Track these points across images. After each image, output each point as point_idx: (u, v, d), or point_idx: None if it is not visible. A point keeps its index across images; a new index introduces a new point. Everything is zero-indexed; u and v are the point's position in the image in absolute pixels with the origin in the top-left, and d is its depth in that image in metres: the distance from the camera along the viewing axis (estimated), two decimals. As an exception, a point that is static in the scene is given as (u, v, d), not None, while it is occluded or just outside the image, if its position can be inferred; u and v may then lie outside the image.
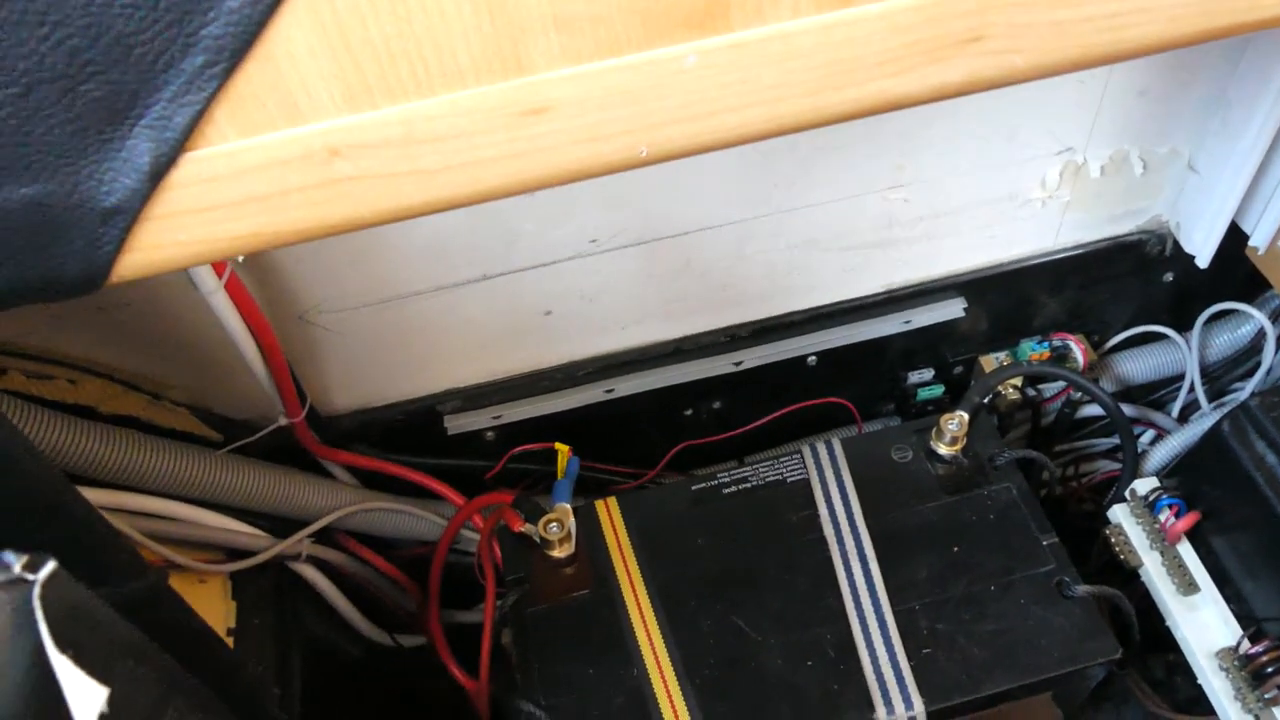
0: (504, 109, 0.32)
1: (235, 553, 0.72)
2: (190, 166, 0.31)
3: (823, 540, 0.74)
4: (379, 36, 0.30)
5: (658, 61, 0.32)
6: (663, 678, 0.68)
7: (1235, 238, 0.81)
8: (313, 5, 0.29)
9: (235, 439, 0.74)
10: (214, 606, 0.67)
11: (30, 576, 0.27)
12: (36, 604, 0.27)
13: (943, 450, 0.77)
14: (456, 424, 0.82)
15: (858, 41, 0.33)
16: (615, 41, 0.32)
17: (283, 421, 0.72)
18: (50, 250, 0.32)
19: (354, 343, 0.75)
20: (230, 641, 0.67)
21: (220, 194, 0.32)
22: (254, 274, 0.66)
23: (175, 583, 0.66)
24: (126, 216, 0.32)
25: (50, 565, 0.28)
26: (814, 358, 0.86)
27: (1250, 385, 0.88)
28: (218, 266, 0.58)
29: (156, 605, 0.47)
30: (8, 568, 0.27)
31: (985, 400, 0.82)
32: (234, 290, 0.60)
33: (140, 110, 0.30)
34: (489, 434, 0.84)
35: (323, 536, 0.79)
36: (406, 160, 0.33)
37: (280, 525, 0.75)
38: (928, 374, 0.92)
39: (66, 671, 0.28)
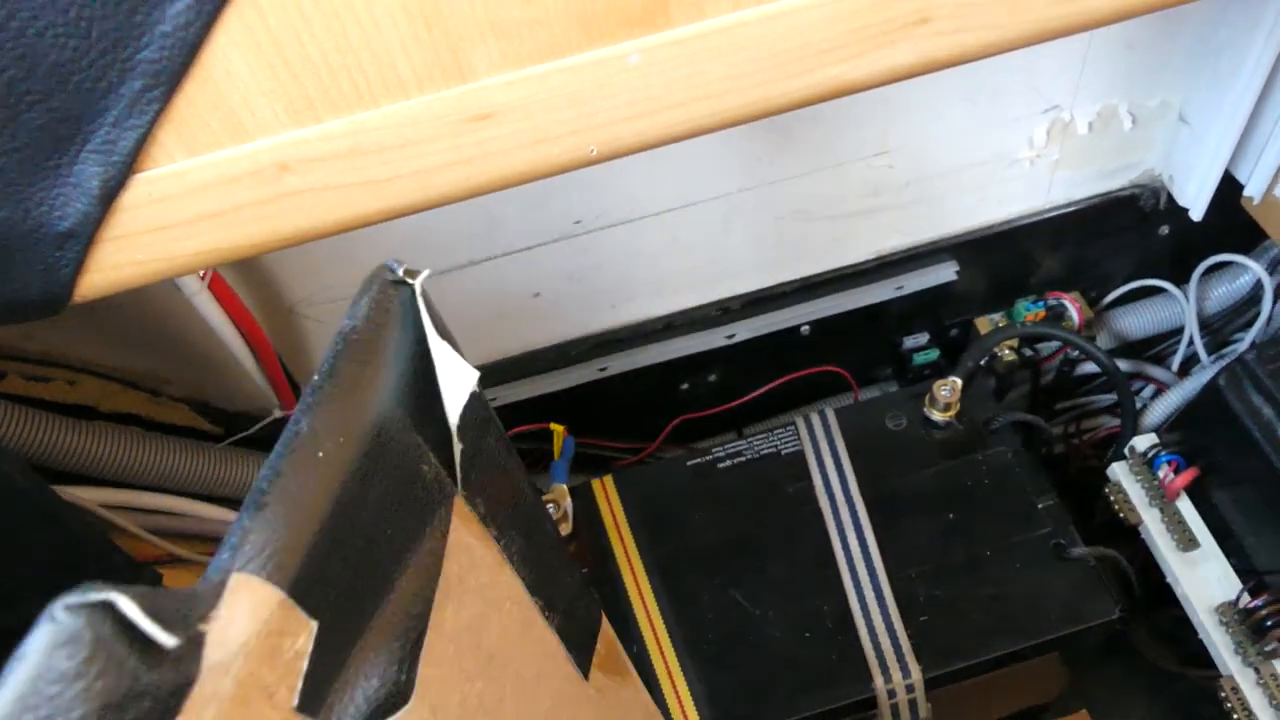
0: (449, 117, 0.32)
1: (240, 545, 0.73)
2: (140, 188, 0.31)
3: (819, 511, 0.75)
4: (316, 52, 0.30)
5: (600, 62, 0.32)
6: (662, 653, 0.69)
7: (1230, 188, 0.80)
8: (247, 25, 0.29)
9: (236, 432, 0.75)
10: (219, 599, 0.69)
11: (411, 281, 0.32)
12: (420, 299, 0.32)
13: (937, 416, 0.77)
14: (453, 408, 0.83)
15: (802, 30, 0.33)
16: (555, 44, 0.31)
17: (279, 414, 0.73)
18: (10, 275, 0.33)
19: (346, 333, 0.76)
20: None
21: (173, 213, 0.32)
22: (240, 272, 0.67)
23: (180, 577, 0.68)
24: (81, 239, 0.32)
25: (425, 272, 0.33)
26: (807, 327, 0.86)
27: (1250, 336, 0.87)
28: (199, 269, 0.59)
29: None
30: (393, 271, 0.32)
31: (980, 364, 0.81)
32: (218, 290, 0.61)
33: (85, 136, 0.30)
34: (486, 416, 0.84)
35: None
36: (355, 171, 0.33)
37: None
38: (923, 339, 0.92)
39: (444, 354, 0.33)
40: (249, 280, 0.68)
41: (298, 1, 0.29)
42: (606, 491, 0.78)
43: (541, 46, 0.31)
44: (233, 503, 0.72)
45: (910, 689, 0.67)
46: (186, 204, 0.32)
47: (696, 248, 0.78)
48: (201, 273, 0.59)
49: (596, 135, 0.34)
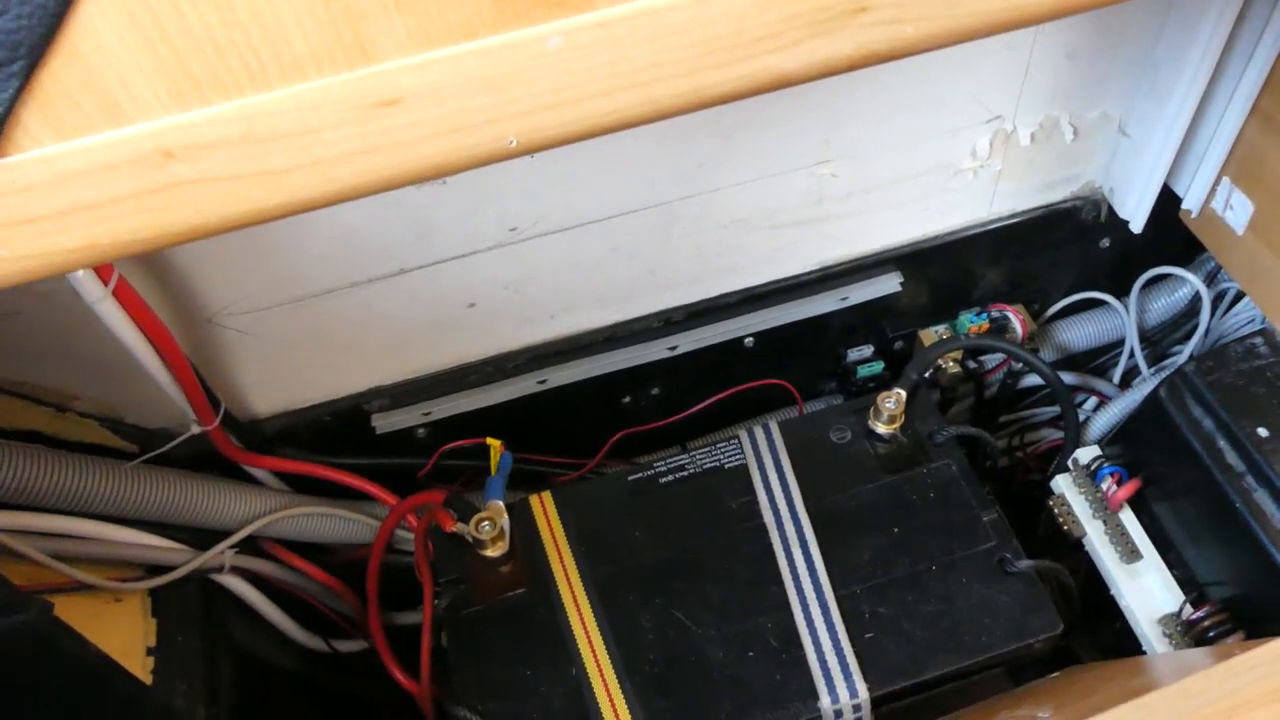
0: (352, 101, 0.30)
1: (155, 568, 0.69)
2: (1, 174, 0.28)
3: (763, 527, 0.73)
4: (199, 26, 0.27)
5: (518, 44, 0.30)
6: (602, 677, 0.67)
7: (1169, 201, 0.81)
8: (120, -7, 0.26)
9: (152, 449, 0.71)
10: (131, 626, 0.65)
11: None
12: None
13: (881, 429, 0.76)
14: (385, 422, 0.80)
15: (734, 16, 0.31)
16: (467, 24, 0.29)
17: (196, 430, 0.69)
18: None
19: (270, 344, 0.72)
20: (151, 661, 0.64)
21: (40, 204, 0.29)
22: (151, 278, 0.63)
23: (86, 604, 0.64)
24: (-63, 233, 0.29)
25: None
26: (751, 339, 0.84)
27: (1189, 348, 0.88)
28: (102, 273, 0.55)
29: (43, 638, 0.44)
30: None
31: (923, 377, 0.80)
32: (125, 297, 0.57)
33: (-62, 116, 0.27)
34: (420, 431, 0.81)
35: (250, 546, 0.76)
36: (250, 160, 0.30)
37: (205, 537, 0.72)
38: (867, 351, 0.91)
39: None
40: (163, 287, 0.64)
41: (176, -31, 0.26)
42: (545, 508, 0.75)
43: (452, 26, 0.29)
44: (146, 524, 0.68)
45: (857, 708, 0.65)
46: (56, 194, 0.29)
47: (637, 257, 0.76)
48: (102, 276, 0.56)
49: (516, 125, 0.31)
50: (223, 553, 0.71)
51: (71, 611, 0.52)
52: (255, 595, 0.76)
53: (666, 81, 0.32)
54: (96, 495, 0.64)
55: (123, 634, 0.65)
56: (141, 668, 0.65)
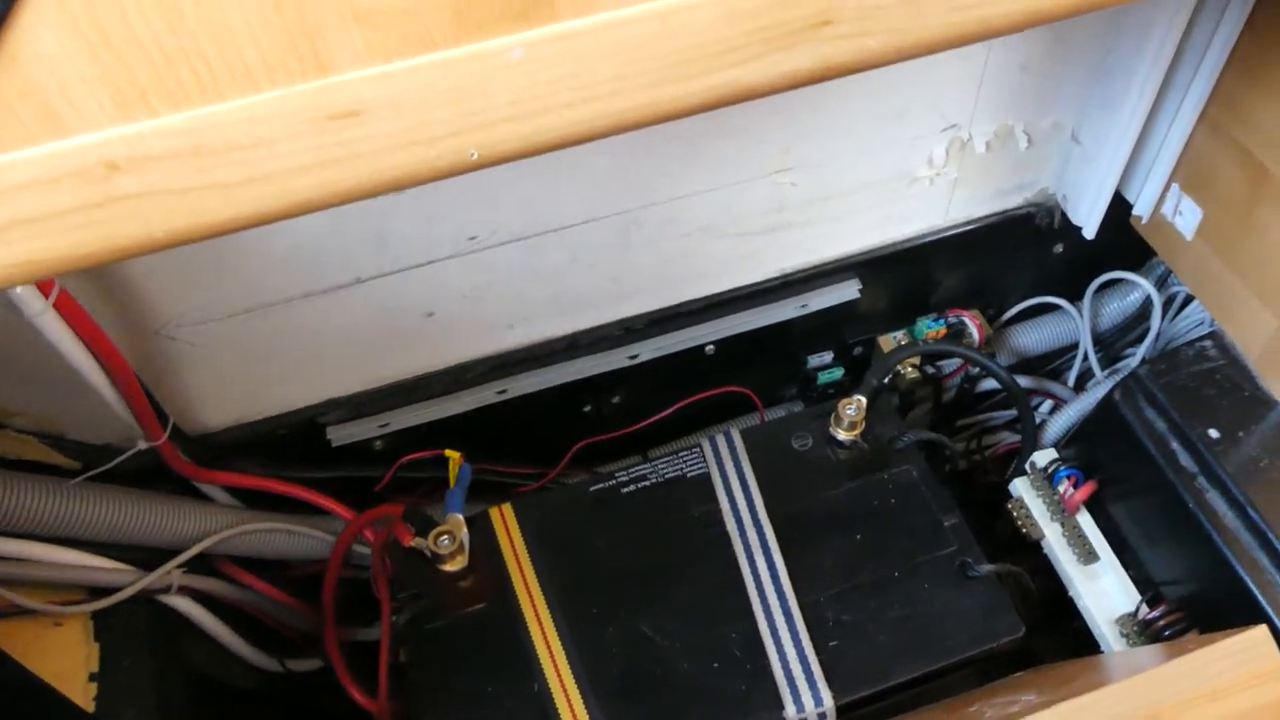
0: (308, 113, 0.29)
1: (99, 591, 0.67)
2: (-65, 190, 0.27)
3: (725, 535, 0.72)
4: (145, 33, 0.26)
5: (479, 56, 0.29)
6: (565, 690, 0.66)
7: (1120, 207, 0.82)
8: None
9: (95, 465, 0.69)
10: (73, 651, 0.62)
11: None
12: None
13: (842, 435, 0.76)
14: (341, 434, 0.78)
15: (697, 29, 0.30)
16: (426, 36, 0.28)
17: (143, 445, 0.67)
18: None
19: (222, 356, 0.70)
20: (94, 687, 0.62)
21: (-24, 219, 0.28)
22: (96, 289, 0.61)
23: (25, 630, 0.61)
24: None
25: None
26: (712, 346, 0.84)
27: (1141, 351, 0.89)
28: (43, 286, 0.53)
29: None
30: None
31: (883, 382, 0.81)
32: (66, 309, 0.55)
33: None
34: (377, 443, 0.80)
35: (201, 564, 0.74)
36: (200, 173, 0.29)
37: (154, 556, 0.70)
38: (827, 357, 0.91)
39: None
40: (108, 299, 0.62)
41: (122, -25, 0.25)
42: (505, 520, 0.74)
43: (411, 38, 0.28)
44: (90, 545, 0.66)
45: (823, 716, 0.65)
46: (-5, 208, 0.28)
47: (598, 266, 0.76)
48: (43, 289, 0.54)
49: (477, 137, 0.31)
50: (170, 572, 0.69)
51: (9, 638, 0.50)
52: (205, 616, 0.74)
53: (629, 94, 0.31)
54: (36, 515, 0.61)
55: (63, 660, 0.63)
56: (84, 694, 0.62)
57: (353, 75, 0.29)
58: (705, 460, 0.76)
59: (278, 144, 0.29)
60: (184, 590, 0.71)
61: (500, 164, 0.32)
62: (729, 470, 0.75)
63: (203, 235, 0.31)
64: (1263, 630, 0.58)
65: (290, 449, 0.78)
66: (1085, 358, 0.92)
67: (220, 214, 0.30)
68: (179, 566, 0.69)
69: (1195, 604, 0.71)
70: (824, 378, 0.92)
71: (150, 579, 0.66)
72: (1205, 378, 0.74)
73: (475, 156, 0.31)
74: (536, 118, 0.31)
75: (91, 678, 0.62)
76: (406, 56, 0.29)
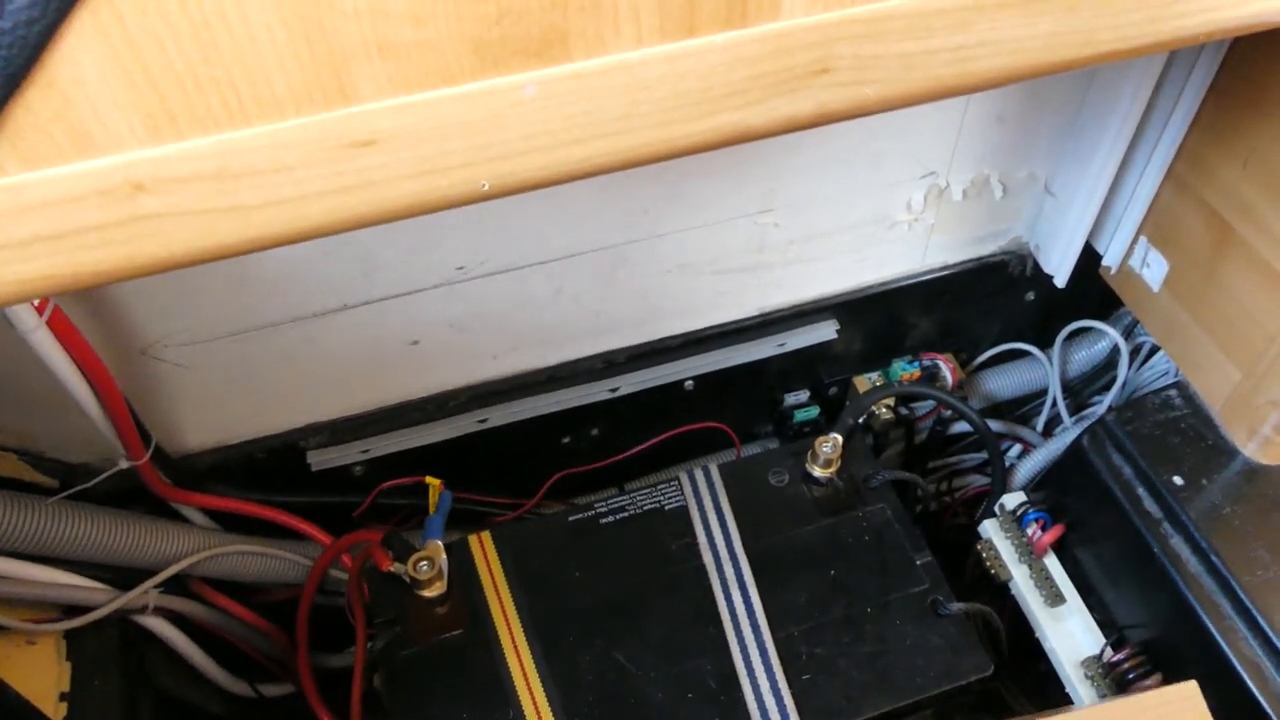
0: (328, 141, 0.30)
1: (73, 609, 0.66)
2: (-37, 203, 0.28)
3: (702, 568, 0.73)
4: (181, 63, 0.27)
5: (494, 91, 0.31)
6: (540, 719, 0.66)
7: (1090, 258, 0.85)
8: (101, 28, 0.26)
9: (73, 484, 0.68)
10: (44, 670, 0.62)
11: None
12: None
13: (818, 473, 0.78)
14: (321, 459, 0.78)
15: (704, 73, 0.32)
16: (446, 70, 0.30)
17: (124, 464, 0.67)
18: None
19: (206, 378, 0.71)
20: (64, 707, 0.61)
21: (2, 233, 0.28)
22: (86, 307, 0.61)
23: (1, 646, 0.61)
24: (-111, 259, 0.28)
25: None
26: (690, 382, 0.85)
27: (1108, 399, 0.92)
28: (38, 303, 0.54)
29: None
30: None
31: (859, 421, 0.82)
32: (59, 327, 0.55)
33: (-100, 140, 0.26)
34: (357, 469, 0.80)
35: (176, 585, 0.73)
36: (221, 196, 0.30)
37: (128, 577, 0.70)
38: (803, 395, 0.93)
39: None
40: (97, 317, 0.62)
41: (161, 6, 0.26)
42: (484, 548, 0.74)
43: (432, 72, 0.30)
44: (66, 563, 0.66)
45: (794, 751, 0.65)
46: (20, 223, 0.28)
47: (582, 299, 0.77)
48: (37, 306, 0.54)
49: (489, 169, 0.32)
50: (146, 593, 0.68)
51: (-11, 653, 0.50)
52: (179, 637, 0.73)
53: (636, 132, 0.33)
54: (10, 532, 0.61)
55: (34, 678, 0.62)
56: (54, 714, 0.62)
57: (374, 106, 0.30)
58: (683, 494, 0.77)
59: (297, 170, 0.30)
60: (159, 611, 0.70)
61: (511, 195, 0.33)
62: (706, 504, 0.76)
63: (219, 255, 0.32)
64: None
65: (270, 472, 0.78)
66: (1054, 404, 0.95)
67: (238, 235, 0.31)
68: (155, 587, 0.68)
69: (1158, 647, 0.73)
70: (800, 416, 0.93)
71: (127, 599, 0.66)
72: (1170, 426, 0.76)
73: (487, 188, 0.32)
74: (547, 152, 0.32)
75: (62, 697, 0.61)
76: (426, 89, 0.30)
